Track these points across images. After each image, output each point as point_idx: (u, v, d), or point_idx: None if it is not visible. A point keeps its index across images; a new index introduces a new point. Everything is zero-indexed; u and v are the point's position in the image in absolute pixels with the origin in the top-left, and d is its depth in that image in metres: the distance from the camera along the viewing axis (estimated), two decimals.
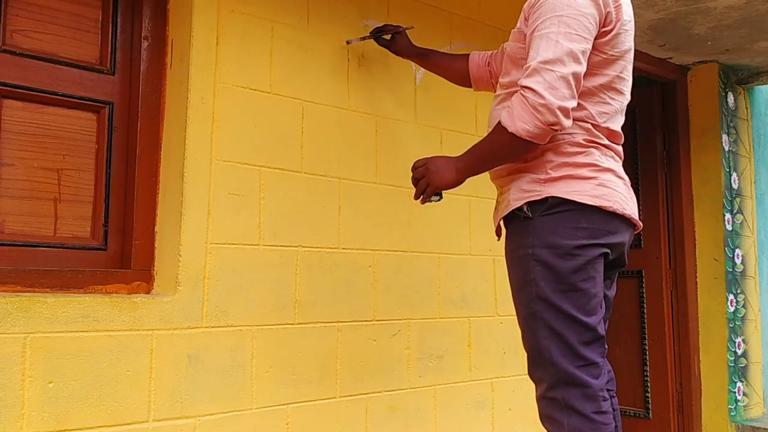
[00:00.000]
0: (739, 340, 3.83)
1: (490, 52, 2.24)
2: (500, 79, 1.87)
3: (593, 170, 1.67)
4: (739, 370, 3.80)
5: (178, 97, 2.07)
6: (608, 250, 1.69)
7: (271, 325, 2.14)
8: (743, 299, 3.91)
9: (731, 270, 3.83)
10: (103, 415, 1.79)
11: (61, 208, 1.99)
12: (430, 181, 1.78)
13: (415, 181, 1.83)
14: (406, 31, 2.37)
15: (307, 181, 2.27)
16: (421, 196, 1.81)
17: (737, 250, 3.90)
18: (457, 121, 2.72)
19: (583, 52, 1.61)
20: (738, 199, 3.96)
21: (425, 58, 2.36)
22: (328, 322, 2.27)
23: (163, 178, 2.10)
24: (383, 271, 2.44)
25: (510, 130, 1.61)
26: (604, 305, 1.70)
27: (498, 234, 1.90)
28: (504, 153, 1.69)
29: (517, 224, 1.73)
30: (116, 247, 2.06)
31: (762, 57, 3.80)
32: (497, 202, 1.89)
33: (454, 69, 2.29)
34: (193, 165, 2.01)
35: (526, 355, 1.75)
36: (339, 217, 2.34)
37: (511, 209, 1.72)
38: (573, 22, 1.59)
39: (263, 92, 2.19)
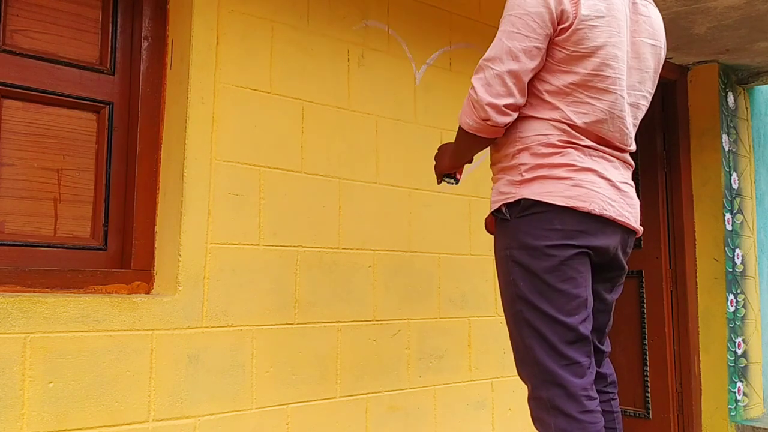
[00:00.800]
0: (739, 340, 3.83)
1: None
2: None
3: (569, 170, 1.65)
4: (739, 370, 3.80)
5: (178, 97, 2.07)
6: (587, 251, 1.66)
7: (271, 325, 2.14)
8: (743, 299, 3.91)
9: (731, 270, 3.83)
10: (103, 415, 1.79)
11: (61, 208, 1.99)
12: (436, 164, 1.97)
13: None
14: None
15: (308, 181, 2.27)
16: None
17: (737, 250, 3.90)
18: (457, 121, 2.71)
19: (525, 50, 1.62)
20: (738, 199, 3.96)
21: None
22: (328, 322, 2.27)
23: (163, 178, 2.10)
24: (383, 271, 2.44)
25: (460, 122, 1.72)
26: (589, 305, 1.68)
27: (490, 232, 1.92)
28: (463, 144, 1.79)
29: (498, 225, 1.75)
30: (116, 247, 2.06)
31: (762, 57, 3.80)
32: None
33: None
34: (193, 165, 2.01)
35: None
36: (339, 217, 2.34)
37: (491, 211, 1.77)
38: (517, 21, 1.63)
39: (263, 92, 2.19)
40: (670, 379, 3.82)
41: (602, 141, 1.70)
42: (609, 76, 1.67)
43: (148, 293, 2.03)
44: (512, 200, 1.68)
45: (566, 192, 1.63)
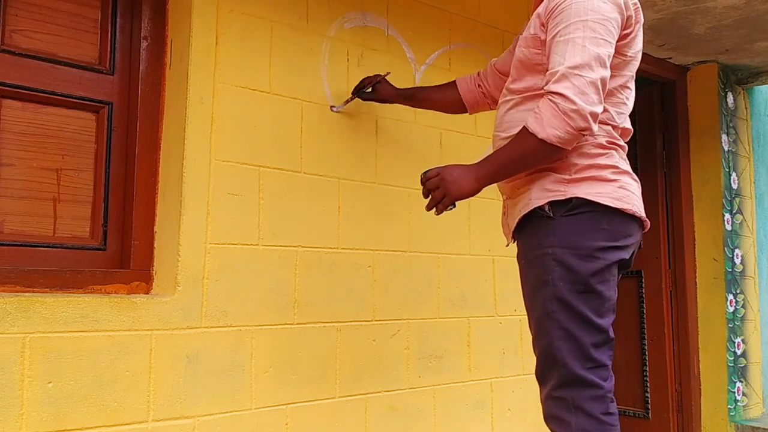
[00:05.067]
0: (738, 340, 3.83)
1: (473, 74, 2.24)
2: (509, 85, 1.85)
3: (615, 173, 1.68)
4: (738, 370, 3.80)
5: (178, 97, 2.07)
6: (625, 253, 1.70)
7: (271, 325, 2.14)
8: (743, 299, 3.91)
9: (731, 270, 3.83)
10: (102, 415, 1.79)
11: (60, 208, 1.99)
12: (447, 191, 1.72)
13: (427, 192, 1.76)
14: (386, 77, 2.32)
15: (307, 181, 2.27)
16: (435, 207, 1.76)
17: (737, 250, 3.90)
18: (457, 121, 2.71)
19: (609, 57, 1.61)
20: (737, 199, 3.96)
21: (412, 97, 2.33)
22: (328, 322, 2.27)
23: (163, 178, 2.10)
24: (383, 271, 2.44)
25: (540, 136, 1.59)
26: (615, 309, 1.70)
27: (513, 238, 1.85)
28: (531, 159, 1.65)
29: (535, 224, 1.71)
30: (115, 247, 2.06)
31: (761, 57, 3.80)
32: (507, 206, 1.88)
33: (445, 100, 2.28)
34: (192, 165, 2.01)
35: (534, 356, 1.74)
36: (338, 217, 2.34)
37: (531, 208, 1.70)
38: (598, 27, 1.59)
39: (262, 92, 2.19)
40: (670, 379, 3.82)
41: (624, 134, 1.77)
42: (634, 77, 1.75)
43: (147, 293, 2.02)
44: (562, 198, 1.66)
45: (615, 194, 1.66)
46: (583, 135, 1.59)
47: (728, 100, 3.98)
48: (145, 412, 1.86)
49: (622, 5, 1.64)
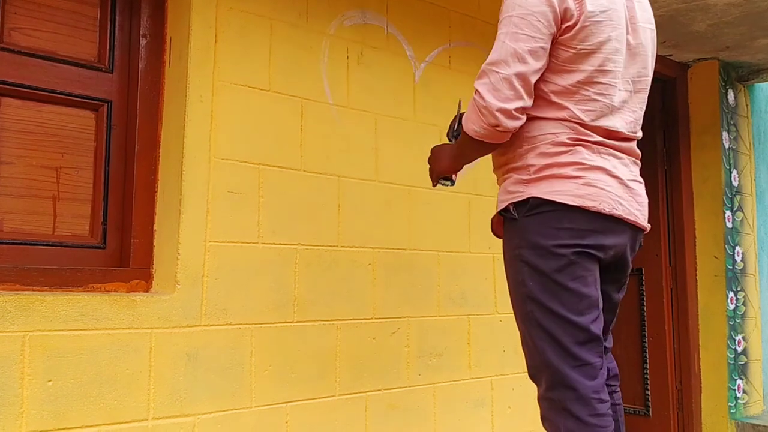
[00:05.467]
0: (739, 337, 3.83)
1: None
2: None
3: (578, 169, 1.63)
4: (739, 368, 3.80)
5: (177, 95, 2.07)
6: (597, 251, 1.65)
7: (270, 323, 2.14)
8: (743, 297, 3.90)
9: (731, 267, 3.83)
10: (102, 413, 1.79)
11: (59, 207, 1.99)
12: (433, 167, 1.91)
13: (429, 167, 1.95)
14: None
15: (306, 179, 2.27)
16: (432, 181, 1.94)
17: (737, 248, 3.89)
18: None
19: (531, 51, 1.59)
20: (738, 197, 3.96)
21: None
22: (328, 320, 2.27)
23: (162, 176, 2.09)
24: (382, 269, 2.44)
25: (465, 129, 1.68)
26: (599, 305, 1.68)
27: (496, 234, 1.89)
28: (468, 149, 1.75)
29: (507, 225, 1.73)
30: (115, 246, 2.06)
31: (762, 54, 3.80)
32: None
33: None
34: (191, 163, 2.01)
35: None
36: (338, 215, 2.34)
37: (498, 210, 1.75)
38: (520, 22, 1.59)
39: (262, 90, 2.19)
40: (670, 377, 3.82)
41: (610, 134, 1.69)
42: (611, 71, 1.67)
43: (146, 291, 2.02)
44: (520, 199, 1.66)
45: (576, 191, 1.62)
46: (498, 131, 1.60)
47: (729, 97, 3.97)
48: (145, 410, 1.86)
49: None
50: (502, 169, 1.76)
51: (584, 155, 1.65)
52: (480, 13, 2.86)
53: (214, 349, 2.01)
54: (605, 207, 1.63)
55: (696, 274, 3.87)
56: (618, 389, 1.83)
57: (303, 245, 2.24)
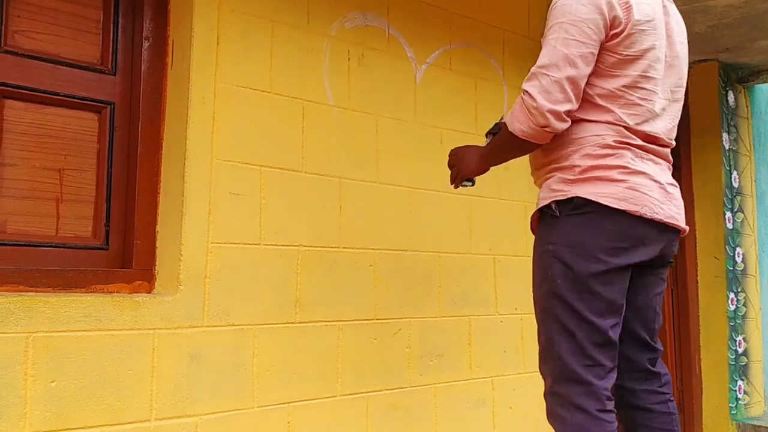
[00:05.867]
0: (739, 338, 3.83)
1: None
2: None
3: (623, 172, 1.68)
4: (739, 369, 3.80)
5: (179, 97, 2.08)
6: (634, 256, 1.68)
7: (272, 324, 2.14)
8: (744, 297, 3.91)
9: (732, 268, 3.83)
10: (105, 414, 1.80)
11: (62, 208, 2.00)
12: (459, 168, 1.95)
13: (450, 168, 1.99)
14: None
15: (308, 181, 2.28)
16: (454, 182, 1.99)
17: (738, 249, 3.90)
18: (458, 121, 2.72)
19: (582, 56, 1.65)
20: (738, 198, 3.96)
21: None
22: (329, 321, 2.28)
23: (164, 178, 2.10)
24: (384, 269, 2.44)
25: (510, 128, 1.72)
26: (622, 312, 1.69)
27: (534, 231, 1.91)
28: (508, 148, 1.81)
29: (544, 221, 1.76)
30: (118, 247, 2.07)
31: (762, 55, 3.80)
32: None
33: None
34: (194, 164, 2.02)
35: (537, 349, 1.77)
36: (340, 217, 2.35)
37: (539, 207, 1.77)
38: (571, 28, 1.65)
39: (264, 92, 2.20)
40: (671, 378, 3.83)
41: (651, 139, 1.75)
42: (653, 77, 1.74)
43: (149, 292, 2.03)
44: (564, 198, 1.69)
45: (620, 194, 1.66)
46: (546, 131, 1.65)
47: (729, 98, 3.98)
48: (147, 410, 1.87)
49: (603, 6, 1.65)
50: (544, 169, 1.79)
51: (628, 159, 1.70)
52: (481, 14, 2.87)
53: (217, 349, 2.02)
54: (647, 211, 1.67)
55: (697, 275, 3.88)
56: (672, 398, 1.84)
57: (305, 246, 2.24)
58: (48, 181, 1.98)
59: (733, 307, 3.81)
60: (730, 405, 3.72)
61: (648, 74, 1.73)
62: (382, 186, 2.47)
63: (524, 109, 1.66)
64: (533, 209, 1.83)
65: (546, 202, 1.73)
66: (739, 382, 3.78)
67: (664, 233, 1.74)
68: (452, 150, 2.01)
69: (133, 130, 2.11)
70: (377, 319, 2.41)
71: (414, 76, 2.62)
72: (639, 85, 1.72)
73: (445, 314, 2.62)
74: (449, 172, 2.02)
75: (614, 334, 1.67)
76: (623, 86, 1.71)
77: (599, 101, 1.70)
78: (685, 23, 3.33)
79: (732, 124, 3.98)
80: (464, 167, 1.94)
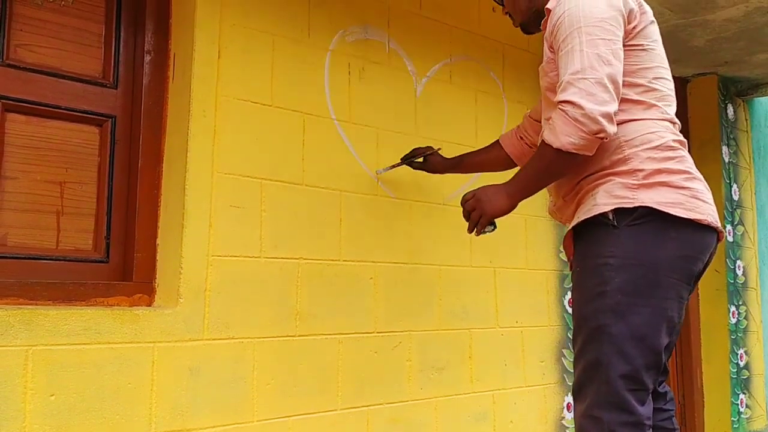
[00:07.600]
0: (741, 351, 3.82)
1: (513, 129, 2.29)
2: (544, 116, 1.84)
3: (686, 179, 1.61)
4: (741, 382, 3.79)
5: (180, 110, 2.09)
6: (697, 267, 1.62)
7: (273, 337, 2.14)
8: (745, 311, 3.90)
9: (733, 281, 3.83)
10: (104, 427, 1.79)
11: (63, 221, 2.00)
12: (483, 211, 1.74)
13: (467, 215, 1.79)
14: (438, 151, 2.37)
15: (309, 194, 2.28)
16: (475, 229, 1.78)
17: (738, 262, 3.90)
18: (458, 134, 2.73)
19: (613, 53, 1.59)
20: (739, 211, 3.97)
21: (460, 164, 2.36)
22: (329, 334, 2.28)
23: (165, 191, 2.11)
24: (384, 283, 2.44)
25: (555, 146, 1.58)
26: (678, 329, 1.62)
27: (567, 249, 1.79)
28: (553, 170, 1.66)
29: (595, 231, 1.64)
30: (118, 260, 2.07)
31: (761, 69, 3.82)
32: (559, 209, 1.83)
33: (493, 160, 2.32)
34: (194, 177, 2.02)
35: (574, 369, 1.67)
36: (340, 230, 2.35)
37: (594, 213, 1.63)
38: (593, 29, 1.59)
39: (264, 105, 2.20)
40: (673, 391, 3.81)
41: (678, 128, 1.73)
42: (667, 68, 1.75)
43: (149, 305, 2.03)
44: (630, 206, 1.58)
45: (687, 203, 1.58)
46: (599, 138, 1.55)
47: (728, 111, 3.99)
48: (147, 424, 1.86)
49: (618, 2, 1.64)
50: (594, 176, 1.67)
51: (689, 164, 1.65)
52: (480, 28, 2.89)
53: (217, 363, 2.01)
54: (712, 221, 1.61)
55: (697, 288, 3.86)
56: (674, 414, 1.78)
57: (305, 259, 2.24)
58: (49, 194, 1.98)
59: (734, 320, 3.80)
60: (732, 419, 3.70)
61: (664, 66, 1.73)
62: (382, 199, 2.48)
63: (569, 120, 1.54)
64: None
65: (607, 209, 1.60)
66: (741, 396, 3.76)
67: (714, 240, 1.67)
68: (467, 194, 1.79)
69: (134, 143, 2.12)
70: (377, 332, 2.40)
71: (414, 90, 2.63)
72: (664, 76, 1.71)
73: (445, 327, 2.61)
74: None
75: (664, 357, 1.59)
76: (655, 78, 1.68)
77: (639, 97, 1.64)
78: (685, 37, 3.36)
79: (731, 137, 3.99)
80: (490, 208, 1.73)
